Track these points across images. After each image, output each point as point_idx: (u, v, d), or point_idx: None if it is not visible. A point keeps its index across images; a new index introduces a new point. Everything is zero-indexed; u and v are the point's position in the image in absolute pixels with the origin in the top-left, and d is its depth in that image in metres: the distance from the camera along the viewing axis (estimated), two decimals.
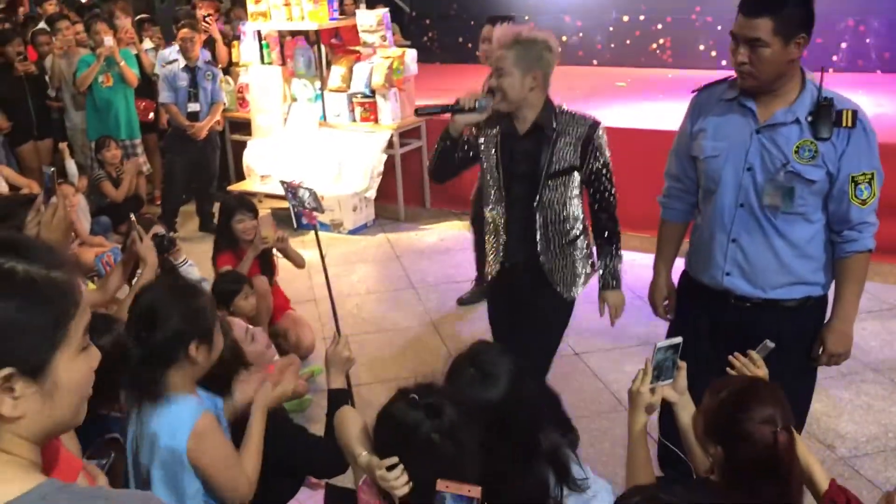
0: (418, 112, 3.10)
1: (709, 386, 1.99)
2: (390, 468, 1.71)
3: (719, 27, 8.94)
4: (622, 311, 3.13)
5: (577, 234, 3.04)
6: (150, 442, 2.07)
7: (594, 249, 3.11)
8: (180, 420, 2.05)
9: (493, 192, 3.03)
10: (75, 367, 1.08)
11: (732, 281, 2.60)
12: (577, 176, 2.95)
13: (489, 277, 3.18)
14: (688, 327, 2.62)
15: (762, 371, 2.15)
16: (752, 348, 2.27)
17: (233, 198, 4.64)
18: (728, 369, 2.20)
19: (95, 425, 2.11)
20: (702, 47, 9.03)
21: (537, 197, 2.92)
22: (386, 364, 4.43)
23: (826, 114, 2.39)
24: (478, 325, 4.34)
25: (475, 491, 1.55)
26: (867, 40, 8.24)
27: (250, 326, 2.73)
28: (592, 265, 3.13)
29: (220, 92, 6.70)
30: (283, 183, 3.91)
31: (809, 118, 2.41)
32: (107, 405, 2.28)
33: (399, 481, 1.70)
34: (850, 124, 2.38)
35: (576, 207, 3.00)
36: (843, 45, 8.35)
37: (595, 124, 2.93)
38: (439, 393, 1.81)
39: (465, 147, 3.03)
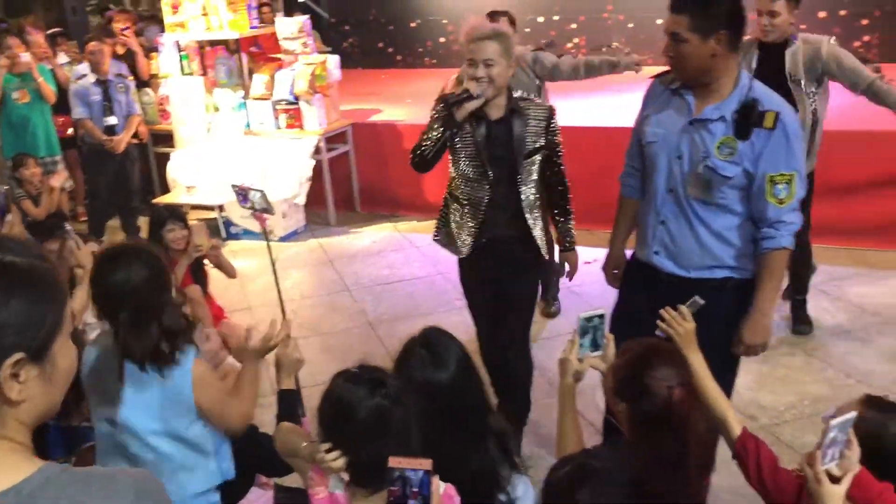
0: (447, 101, 3.16)
1: None
2: (329, 450, 1.79)
3: (631, 25, 9.26)
4: (577, 268, 3.48)
5: (540, 205, 3.35)
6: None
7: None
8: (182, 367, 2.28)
9: (471, 174, 3.24)
10: (67, 350, 1.15)
11: (660, 259, 2.76)
12: (540, 155, 3.24)
13: (463, 252, 3.38)
14: (630, 301, 2.85)
15: (689, 324, 2.26)
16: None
17: (162, 209, 4.61)
18: (658, 322, 2.28)
19: (74, 436, 2.18)
20: (615, 44, 9.31)
21: (519, 175, 3.21)
22: (325, 367, 4.41)
23: (749, 114, 2.48)
24: (417, 321, 4.42)
25: (426, 463, 1.62)
26: None
27: (206, 328, 2.77)
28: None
29: (134, 104, 6.62)
30: (233, 186, 3.94)
31: (735, 116, 2.51)
32: (77, 416, 2.33)
33: (336, 462, 1.79)
34: (770, 126, 2.47)
35: (541, 182, 3.31)
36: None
37: (552, 109, 3.28)
38: (377, 369, 1.90)
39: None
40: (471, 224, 3.30)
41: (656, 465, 1.87)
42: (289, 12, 9.36)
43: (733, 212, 2.62)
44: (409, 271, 5.79)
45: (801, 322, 4.55)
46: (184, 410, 2.31)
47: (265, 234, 3.89)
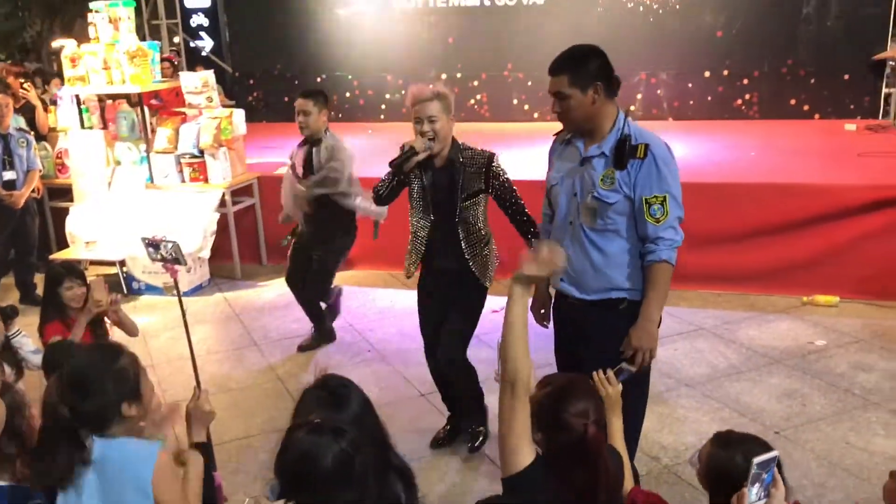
0: (392, 165, 3.61)
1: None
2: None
3: (529, 83, 9.63)
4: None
5: (487, 238, 3.79)
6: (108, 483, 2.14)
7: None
8: (141, 456, 2.18)
9: (419, 211, 3.77)
10: None
11: (565, 286, 3.09)
12: (482, 197, 3.68)
13: (410, 275, 3.92)
14: (560, 332, 3.25)
15: (615, 388, 2.47)
16: (588, 345, 2.98)
17: (59, 265, 4.46)
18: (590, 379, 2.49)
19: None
20: (515, 101, 9.67)
21: (457, 215, 3.66)
22: (233, 423, 4.40)
23: (623, 147, 2.86)
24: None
25: None
26: (658, 91, 9.15)
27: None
28: (498, 259, 3.86)
29: (35, 159, 6.44)
30: (143, 239, 3.87)
31: (613, 151, 2.89)
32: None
33: None
34: (642, 156, 2.86)
35: (484, 220, 3.76)
36: (639, 95, 9.22)
37: (491, 156, 3.69)
38: (332, 419, 1.90)
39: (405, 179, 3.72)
40: (413, 256, 3.84)
41: (567, 495, 1.95)
42: (192, 66, 9.34)
43: (622, 236, 2.96)
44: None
45: None
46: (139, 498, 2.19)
47: (176, 286, 3.82)
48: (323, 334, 5.43)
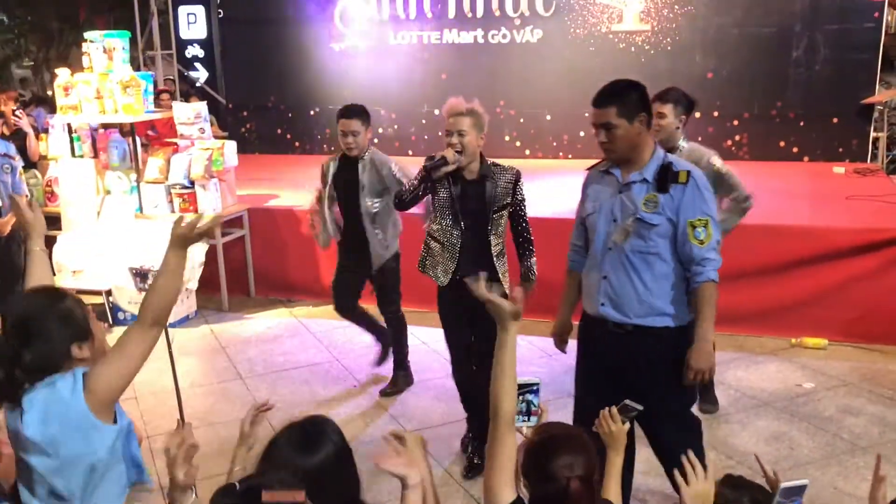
0: (425, 168, 3.93)
1: (601, 405, 2.55)
2: None
3: (522, 119, 9.69)
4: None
5: (505, 254, 4.07)
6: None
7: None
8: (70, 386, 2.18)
9: (448, 219, 3.96)
10: None
11: (606, 310, 3.18)
12: (506, 212, 3.97)
13: (444, 283, 4.04)
14: (586, 357, 3.37)
15: (617, 426, 2.42)
16: (628, 371, 3.08)
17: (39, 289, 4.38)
18: (597, 420, 2.48)
19: None
20: (507, 138, 9.71)
21: (489, 227, 3.92)
22: (214, 459, 4.30)
23: (665, 174, 3.04)
24: (314, 410, 4.34)
25: (300, 495, 1.55)
26: None
27: None
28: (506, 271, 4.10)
29: (20, 185, 6.38)
30: (130, 269, 3.86)
31: (655, 177, 3.05)
32: None
33: None
34: (684, 181, 3.03)
35: (504, 233, 4.05)
36: None
37: (518, 172, 3.99)
38: (297, 464, 1.84)
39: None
40: (448, 263, 4.00)
41: None
42: (186, 98, 9.37)
43: (665, 260, 3.09)
44: (306, 357, 5.73)
45: (707, 402, 4.69)
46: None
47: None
48: (398, 365, 5.21)
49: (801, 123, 8.81)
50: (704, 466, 2.14)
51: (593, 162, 3.37)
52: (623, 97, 3.04)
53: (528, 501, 2.04)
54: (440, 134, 10.83)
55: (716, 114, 8.94)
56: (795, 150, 8.85)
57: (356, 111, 4.94)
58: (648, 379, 3.11)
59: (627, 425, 2.45)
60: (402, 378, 5.19)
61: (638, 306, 3.11)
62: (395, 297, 5.10)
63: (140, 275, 3.81)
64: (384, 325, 5.26)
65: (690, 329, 3.10)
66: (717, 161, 4.36)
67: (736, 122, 8.95)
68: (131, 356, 2.26)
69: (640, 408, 2.48)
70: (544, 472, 1.98)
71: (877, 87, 8.62)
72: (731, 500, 2.06)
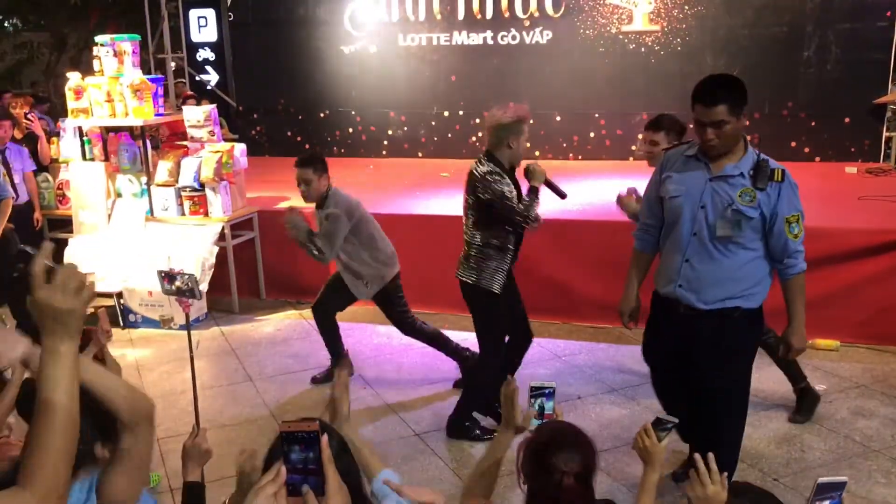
0: (558, 191, 4.59)
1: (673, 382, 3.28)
2: None
3: (531, 121, 9.62)
4: None
5: None
6: None
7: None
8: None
9: (518, 231, 4.29)
10: None
11: (682, 292, 3.37)
12: None
13: (501, 287, 4.31)
14: (653, 332, 3.65)
15: (650, 441, 2.33)
16: (699, 351, 3.35)
17: None
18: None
19: None
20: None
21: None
22: (224, 461, 4.32)
23: (763, 171, 3.21)
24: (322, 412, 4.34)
25: (314, 425, 1.56)
26: None
27: None
28: None
29: (5, 187, 6.33)
30: (159, 272, 3.90)
31: (751, 173, 3.22)
32: None
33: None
34: (780, 179, 3.22)
35: None
36: (640, 135, 9.24)
37: None
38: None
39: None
40: (508, 263, 4.29)
41: None
42: (198, 101, 9.39)
43: (748, 248, 3.28)
44: (315, 360, 5.73)
45: (800, 412, 4.65)
46: None
47: (187, 321, 3.86)
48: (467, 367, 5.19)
49: (813, 123, 8.76)
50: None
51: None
52: (732, 94, 3.17)
53: (525, 497, 2.06)
54: (449, 136, 10.85)
55: None
56: (807, 150, 8.80)
57: (309, 160, 5.00)
58: (708, 356, 3.37)
59: (665, 442, 2.35)
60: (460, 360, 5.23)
61: (715, 291, 3.31)
62: (401, 314, 5.16)
63: (168, 276, 3.84)
64: (340, 345, 5.38)
65: (758, 313, 3.38)
66: None
67: (747, 123, 8.88)
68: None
69: (676, 421, 2.40)
70: (541, 467, 2.01)
71: (889, 86, 8.55)
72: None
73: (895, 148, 8.80)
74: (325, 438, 1.60)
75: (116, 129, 6.96)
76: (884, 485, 3.92)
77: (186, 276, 3.75)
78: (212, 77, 11.66)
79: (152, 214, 6.87)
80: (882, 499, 3.78)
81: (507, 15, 9.53)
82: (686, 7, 8.91)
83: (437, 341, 5.20)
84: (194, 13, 11.64)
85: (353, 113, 10.34)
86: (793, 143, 8.82)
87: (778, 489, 3.81)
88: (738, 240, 3.26)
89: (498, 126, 4.27)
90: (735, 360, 3.43)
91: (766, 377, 5.17)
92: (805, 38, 8.66)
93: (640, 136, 9.18)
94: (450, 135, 10.03)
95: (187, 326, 3.89)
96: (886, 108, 8.66)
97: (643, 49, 9.12)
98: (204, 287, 6.60)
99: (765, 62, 8.77)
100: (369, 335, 6.14)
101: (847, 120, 8.65)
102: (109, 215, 6.92)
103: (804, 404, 4.66)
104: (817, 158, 8.80)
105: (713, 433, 3.45)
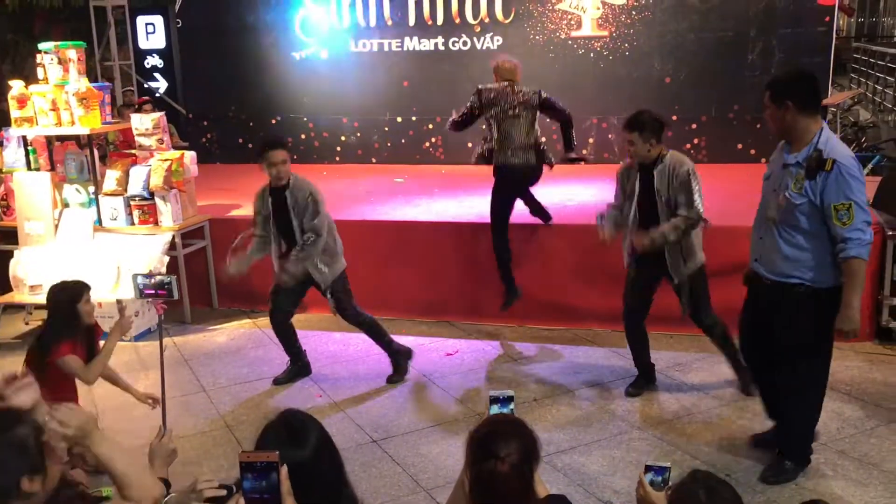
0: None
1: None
2: None
3: (482, 125, 9.70)
4: None
5: None
6: None
7: None
8: None
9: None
10: None
11: (757, 265, 3.89)
12: None
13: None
14: (747, 300, 4.10)
15: (644, 492, 2.30)
16: (770, 317, 3.81)
17: (72, 282, 4.34)
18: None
19: None
20: (470, 144, 9.71)
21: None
22: (179, 474, 4.27)
23: (814, 160, 3.54)
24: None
25: (273, 456, 1.57)
26: (609, 136, 9.32)
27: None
28: None
29: None
30: (134, 276, 3.94)
31: (804, 163, 3.57)
32: None
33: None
34: (828, 169, 3.50)
35: None
36: (591, 139, 9.37)
37: None
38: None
39: None
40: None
41: None
42: (153, 105, 9.25)
43: (808, 232, 3.63)
44: (269, 369, 5.68)
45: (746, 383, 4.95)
46: None
47: (160, 324, 3.93)
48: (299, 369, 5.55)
49: (758, 126, 8.93)
50: (811, 421, 3.50)
51: None
52: (772, 85, 3.70)
53: (468, 487, 2.12)
54: (403, 142, 10.89)
55: (674, 117, 9.00)
56: (753, 151, 8.98)
57: (281, 143, 5.25)
58: (781, 325, 3.77)
59: (662, 492, 2.28)
60: (402, 358, 5.46)
61: (779, 266, 3.73)
62: (350, 301, 5.30)
63: (147, 276, 3.88)
64: (298, 345, 5.52)
65: (830, 293, 3.63)
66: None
67: (694, 126, 9.07)
68: None
69: (668, 465, 2.35)
70: (481, 454, 2.09)
71: (829, 89, 8.79)
72: (686, 490, 2.11)
73: None
74: (284, 470, 1.62)
75: (62, 139, 6.83)
76: (831, 477, 4.02)
77: (166, 279, 3.83)
78: (160, 84, 11.50)
79: (101, 224, 6.75)
80: (829, 491, 3.88)
81: (457, 21, 9.56)
82: (633, 12, 9.05)
83: (376, 331, 5.41)
84: (142, 20, 11.47)
85: (304, 119, 10.28)
86: (739, 146, 9.00)
87: (731, 485, 3.88)
88: (795, 223, 3.63)
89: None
90: (802, 334, 3.74)
91: (718, 376, 5.27)
92: (749, 43, 8.85)
93: (590, 140, 9.34)
94: (403, 140, 10.03)
95: (160, 328, 3.98)
96: (827, 110, 8.90)
97: (592, 54, 9.24)
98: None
99: (711, 66, 8.95)
100: (324, 342, 6.10)
101: None
102: (56, 226, 6.78)
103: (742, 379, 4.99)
104: (763, 160, 8.96)
105: (781, 395, 3.98)
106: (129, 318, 4.17)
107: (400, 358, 5.45)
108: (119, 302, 4.15)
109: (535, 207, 6.30)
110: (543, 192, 7.19)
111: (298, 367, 5.52)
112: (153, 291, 3.90)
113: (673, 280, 4.73)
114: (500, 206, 6.03)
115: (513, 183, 6.05)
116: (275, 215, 5.17)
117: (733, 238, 5.55)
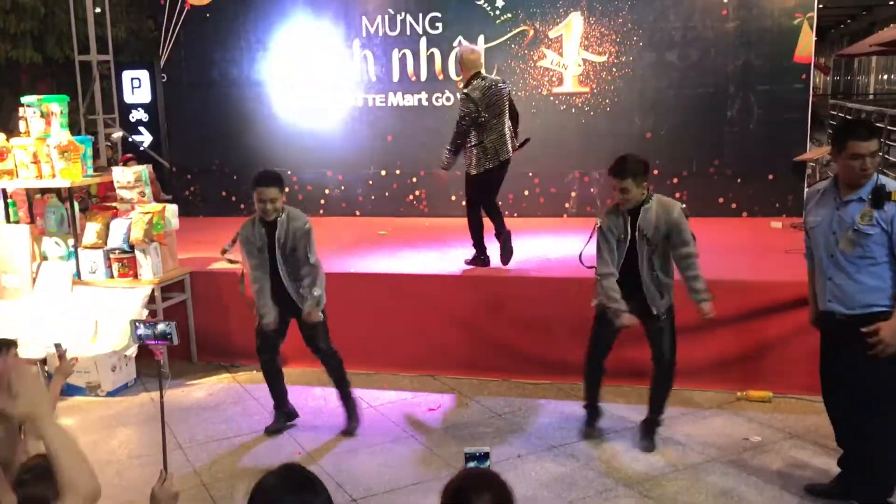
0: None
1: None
2: None
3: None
4: None
5: None
6: None
7: None
8: None
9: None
10: None
11: (833, 305, 4.00)
12: None
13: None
14: (825, 343, 4.22)
15: None
16: (851, 350, 3.88)
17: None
18: None
19: None
20: (453, 198, 9.76)
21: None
22: None
23: (880, 193, 3.79)
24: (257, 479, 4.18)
25: None
26: (591, 189, 9.38)
27: None
28: None
29: None
30: (132, 321, 3.88)
31: (869, 196, 3.81)
32: None
33: None
34: (895, 199, 3.77)
35: None
36: (573, 193, 9.42)
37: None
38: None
39: None
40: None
41: None
42: (138, 162, 9.23)
43: (878, 263, 3.83)
44: (248, 425, 5.57)
45: (646, 438, 4.99)
46: None
47: (158, 368, 3.86)
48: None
49: (739, 181, 9.04)
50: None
51: None
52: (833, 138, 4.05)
53: None
54: (387, 195, 10.89)
55: (656, 172, 9.10)
56: (734, 206, 9.06)
57: (274, 179, 5.14)
58: (860, 357, 3.85)
59: None
60: (353, 409, 5.47)
61: (857, 298, 3.88)
62: (327, 337, 5.33)
63: (146, 323, 3.82)
64: (284, 390, 5.50)
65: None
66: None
67: (675, 180, 9.15)
68: None
69: None
70: (456, 499, 2.09)
71: (808, 144, 8.91)
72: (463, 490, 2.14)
73: None
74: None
75: (43, 191, 6.79)
76: None
77: (165, 325, 3.79)
78: (145, 138, 11.51)
79: (79, 277, 6.67)
80: None
81: (440, 77, 9.68)
82: (614, 69, 9.19)
83: (342, 375, 5.41)
84: (128, 74, 11.54)
85: (288, 172, 10.28)
86: (720, 200, 9.08)
87: None
88: (866, 255, 3.82)
89: None
90: (884, 361, 3.82)
91: (703, 430, 5.21)
92: (728, 100, 8.99)
93: (572, 194, 9.39)
94: (387, 193, 10.04)
95: (159, 374, 3.87)
96: (806, 165, 9.01)
97: (574, 110, 9.35)
98: (133, 352, 6.41)
99: (691, 122, 9.07)
100: (304, 398, 6.00)
101: (771, 176, 8.97)
102: (34, 279, 6.69)
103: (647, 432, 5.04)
104: (744, 214, 9.07)
105: (864, 439, 4.04)
106: (69, 361, 4.04)
107: (355, 406, 5.48)
108: (58, 346, 4.04)
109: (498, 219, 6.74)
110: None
111: (286, 413, 5.49)
112: (154, 342, 3.82)
113: (651, 313, 4.73)
114: (486, 199, 6.71)
115: (500, 179, 6.71)
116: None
117: (718, 290, 5.55)
